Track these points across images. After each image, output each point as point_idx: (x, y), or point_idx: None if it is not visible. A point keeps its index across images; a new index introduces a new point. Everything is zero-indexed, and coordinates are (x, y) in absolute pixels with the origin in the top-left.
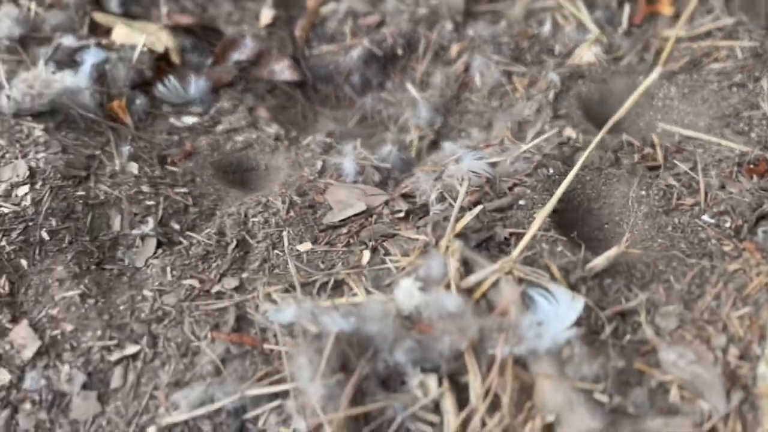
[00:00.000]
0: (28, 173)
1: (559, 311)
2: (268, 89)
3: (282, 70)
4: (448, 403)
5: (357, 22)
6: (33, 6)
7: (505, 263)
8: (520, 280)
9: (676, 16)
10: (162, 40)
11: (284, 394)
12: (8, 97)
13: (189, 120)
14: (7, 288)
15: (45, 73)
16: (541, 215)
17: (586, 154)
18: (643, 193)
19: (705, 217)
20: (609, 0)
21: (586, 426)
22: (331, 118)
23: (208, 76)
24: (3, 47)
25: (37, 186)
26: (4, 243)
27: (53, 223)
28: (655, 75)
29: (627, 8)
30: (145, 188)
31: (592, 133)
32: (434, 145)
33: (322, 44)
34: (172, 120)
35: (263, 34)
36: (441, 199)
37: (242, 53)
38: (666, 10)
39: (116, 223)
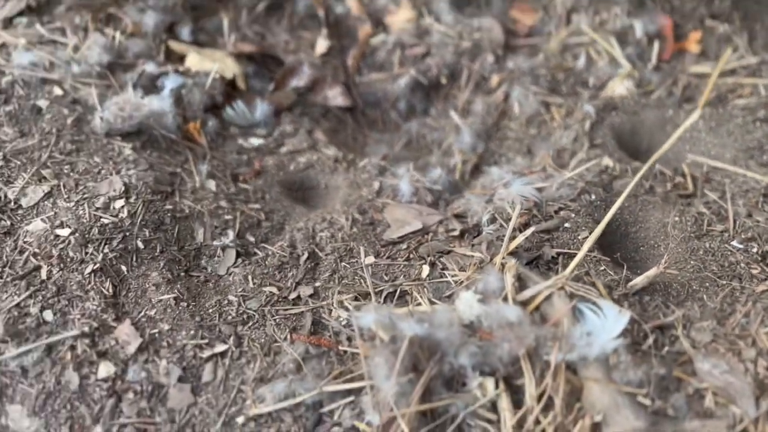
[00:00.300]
0: (123, 188)
1: (607, 324)
2: (322, 113)
3: (335, 96)
4: (505, 403)
5: (404, 53)
6: (117, 35)
7: (558, 279)
8: (571, 295)
9: (702, 54)
10: (229, 66)
11: (357, 391)
12: (101, 118)
13: (255, 141)
14: (111, 290)
15: (135, 97)
16: (592, 237)
17: (632, 184)
18: (677, 219)
19: (734, 243)
20: (639, 37)
21: (631, 425)
22: (378, 141)
23: (270, 100)
24: (94, 73)
25: (132, 200)
26: (106, 250)
27: (146, 233)
28: (695, 116)
29: (656, 45)
30: (223, 203)
31: (626, 162)
32: (476, 169)
33: (372, 72)
34: (240, 141)
35: (319, 62)
36: (492, 220)
37: (300, 80)
38: (693, 47)
39: (200, 235)
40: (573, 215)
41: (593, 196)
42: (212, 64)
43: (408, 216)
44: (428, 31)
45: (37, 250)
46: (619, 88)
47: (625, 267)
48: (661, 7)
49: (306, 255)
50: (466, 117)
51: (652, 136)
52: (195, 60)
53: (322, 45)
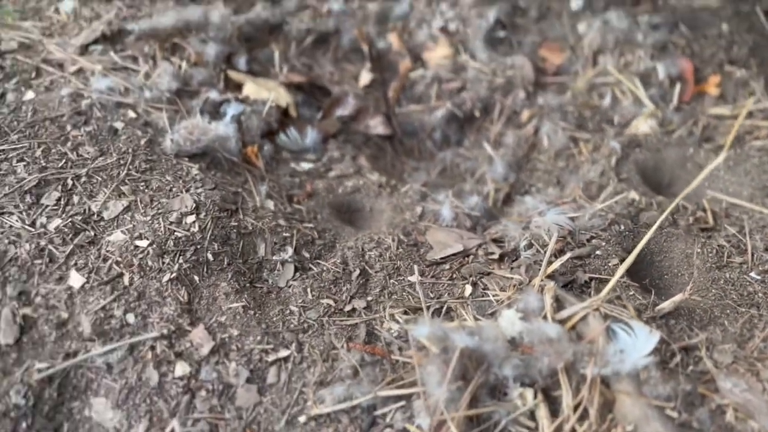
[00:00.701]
0: (194, 205)
1: (638, 343)
2: (364, 141)
3: (376, 126)
4: (543, 412)
5: (441, 87)
6: (183, 64)
7: (594, 301)
8: (605, 316)
9: (721, 96)
10: (282, 95)
11: (408, 397)
12: (172, 140)
13: (306, 165)
14: (186, 298)
15: (202, 122)
16: (625, 265)
17: (661, 219)
18: (699, 250)
19: (752, 274)
20: (662, 79)
21: None
22: (415, 168)
23: (319, 128)
24: (164, 98)
25: (202, 216)
26: (181, 261)
27: (215, 247)
28: (720, 159)
29: (678, 87)
30: (281, 222)
31: (650, 196)
32: (508, 197)
33: (410, 104)
34: (293, 165)
35: (362, 93)
36: (529, 245)
37: (345, 109)
38: (712, 90)
39: (261, 250)
40: (604, 244)
41: (622, 227)
42: (268, 93)
43: (449, 239)
44: (464, 67)
45: (119, 259)
46: (643, 126)
47: (653, 293)
48: (682, 51)
49: (358, 272)
50: (498, 148)
51: (673, 173)
52: (252, 89)
53: (365, 77)
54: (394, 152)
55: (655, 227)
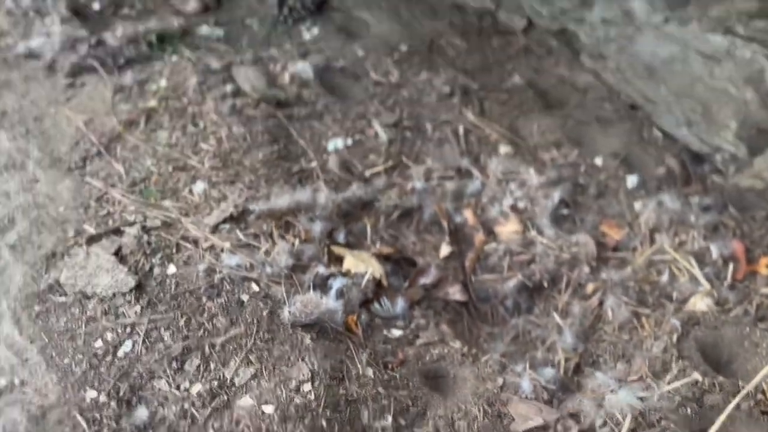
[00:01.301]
0: (309, 374)
1: None
2: (443, 306)
3: (454, 293)
4: None
5: (513, 259)
6: (296, 242)
7: None
8: None
9: None
10: (375, 267)
11: None
12: (290, 312)
13: (396, 332)
14: None
15: (315, 297)
16: None
17: (728, 408)
18: None
19: None
20: (715, 258)
21: None
22: (490, 334)
23: (406, 296)
24: (283, 274)
25: (315, 384)
26: (301, 426)
27: (327, 413)
28: None
29: (731, 266)
30: (380, 390)
31: (711, 375)
32: (578, 367)
33: (485, 274)
34: (385, 332)
35: (442, 264)
36: (604, 424)
37: (428, 278)
38: (763, 271)
39: (365, 417)
40: (672, 425)
41: (688, 410)
42: (365, 266)
43: (530, 412)
44: (533, 242)
45: (249, 423)
46: (700, 304)
47: None
48: (733, 233)
49: None
50: (566, 318)
51: (732, 350)
52: (351, 262)
53: (445, 250)
54: (470, 317)
55: (722, 417)
